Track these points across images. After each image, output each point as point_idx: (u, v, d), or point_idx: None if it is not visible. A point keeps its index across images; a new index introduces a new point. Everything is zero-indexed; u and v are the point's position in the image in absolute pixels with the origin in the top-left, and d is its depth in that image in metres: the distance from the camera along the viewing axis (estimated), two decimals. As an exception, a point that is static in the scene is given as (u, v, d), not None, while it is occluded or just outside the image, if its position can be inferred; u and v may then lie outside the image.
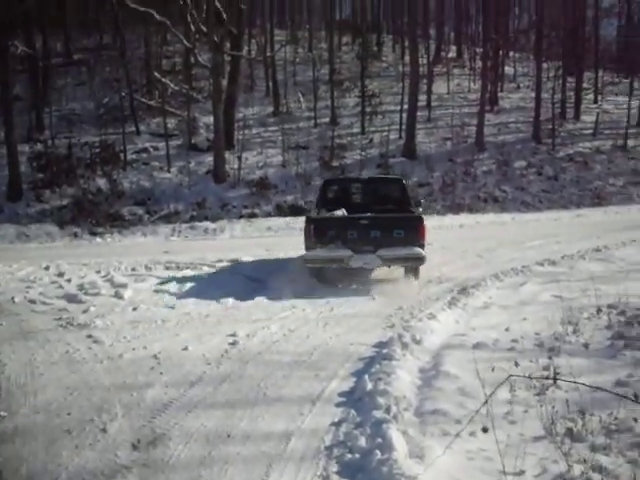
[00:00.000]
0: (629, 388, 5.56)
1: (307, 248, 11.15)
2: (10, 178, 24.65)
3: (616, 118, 36.25)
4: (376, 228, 11.20)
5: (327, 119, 31.78)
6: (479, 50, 39.81)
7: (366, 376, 6.31)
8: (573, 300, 9.40)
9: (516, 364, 5.52)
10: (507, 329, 7.95)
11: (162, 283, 11.59)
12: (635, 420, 4.89)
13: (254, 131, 30.33)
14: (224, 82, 27.95)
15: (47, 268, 13.46)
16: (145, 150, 28.19)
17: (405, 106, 30.25)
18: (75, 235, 21.18)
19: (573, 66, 37.28)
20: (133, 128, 29.20)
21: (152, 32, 33.40)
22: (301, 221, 13.91)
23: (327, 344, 7.68)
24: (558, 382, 5.68)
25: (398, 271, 11.77)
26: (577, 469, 4.28)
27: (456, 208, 25.30)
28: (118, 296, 10.52)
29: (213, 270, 12.93)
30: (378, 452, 4.61)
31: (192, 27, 26.11)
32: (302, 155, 27.68)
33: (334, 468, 4.64)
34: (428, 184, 27.15)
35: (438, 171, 27.99)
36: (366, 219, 11.41)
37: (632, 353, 6.70)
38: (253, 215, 23.05)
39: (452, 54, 43.76)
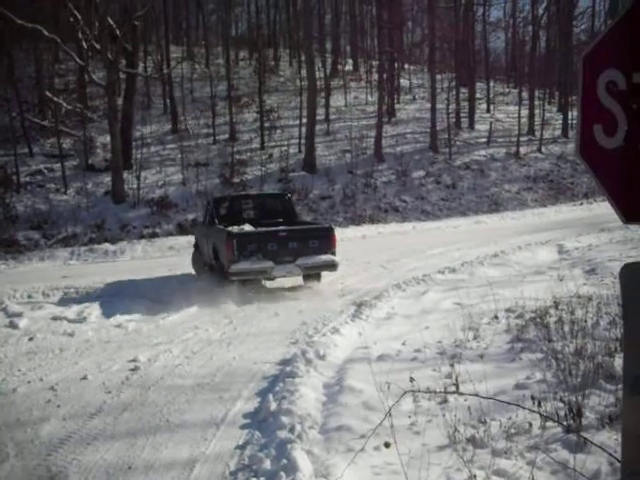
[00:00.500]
0: (528, 390, 5.67)
1: (230, 262, 11.34)
2: None
3: (508, 126, 37.63)
4: (294, 239, 11.89)
5: (226, 135, 31.61)
6: (375, 63, 40.52)
7: (270, 395, 6.24)
8: (473, 306, 9.60)
9: (411, 379, 5.53)
10: (410, 339, 8.03)
11: (60, 310, 11.18)
12: (530, 424, 5.01)
13: (152, 149, 29.87)
14: (120, 100, 27.45)
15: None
16: (39, 172, 27.28)
17: (304, 120, 30.44)
18: (-33, 262, 20.25)
19: (466, 77, 38.54)
20: (26, 149, 28.22)
21: (42, 50, 32.41)
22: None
23: (230, 364, 7.57)
24: (460, 389, 5.79)
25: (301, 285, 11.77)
26: (480, 475, 4.32)
27: (358, 219, 25.59)
28: (13, 326, 10.09)
29: (114, 294, 12.57)
30: (283, 474, 4.54)
31: (84, 44, 25.52)
32: (202, 172, 27.43)
33: (239, 494, 4.55)
34: (329, 197, 27.36)
35: (339, 183, 28.26)
36: (284, 231, 12.15)
37: (529, 355, 6.86)
38: (154, 235, 22.64)
39: (349, 67, 44.48)
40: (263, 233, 12.21)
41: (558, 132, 38.82)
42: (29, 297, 12.70)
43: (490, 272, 12.85)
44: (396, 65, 40.34)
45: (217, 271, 12.51)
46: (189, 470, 4.90)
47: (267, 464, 4.83)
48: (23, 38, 31.54)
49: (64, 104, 28.26)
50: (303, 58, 35.98)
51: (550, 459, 4.35)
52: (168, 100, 33.63)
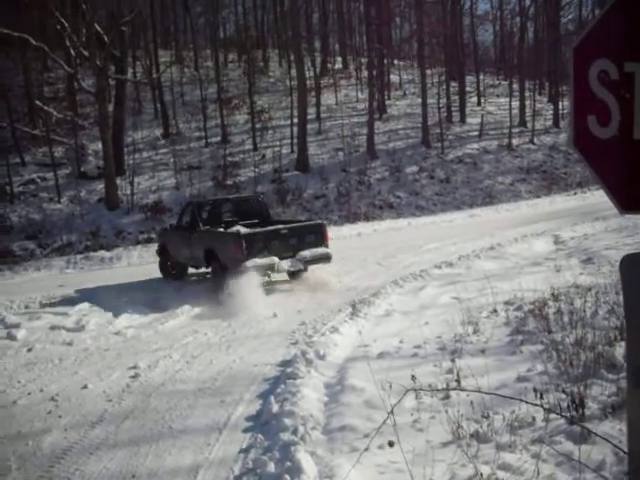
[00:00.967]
0: (529, 382, 5.67)
1: (240, 261, 11.87)
2: None
3: (499, 119, 37.65)
4: (293, 236, 12.74)
5: (218, 138, 31.55)
6: (364, 60, 40.50)
7: (272, 398, 6.22)
8: (471, 300, 9.60)
9: (413, 378, 5.51)
10: (409, 335, 8.02)
11: (58, 319, 11.13)
12: (533, 417, 5.00)
13: (145, 155, 29.80)
14: (110, 107, 27.40)
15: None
16: (32, 181, 27.21)
17: (295, 120, 30.39)
18: (-38, 274, 20.19)
19: (455, 71, 38.53)
20: (18, 159, 28.14)
21: (31, 58, 32.32)
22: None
23: (231, 368, 7.55)
24: (462, 384, 5.78)
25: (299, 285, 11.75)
26: (485, 470, 4.31)
27: (353, 217, 25.56)
28: (11, 337, 10.04)
29: (112, 301, 12.53)
30: (288, 477, 4.53)
31: (72, 51, 25.43)
32: (195, 176, 27.38)
33: (244, 498, 4.53)
34: (323, 196, 27.32)
35: (332, 182, 28.22)
36: (285, 229, 12.90)
37: (530, 347, 6.85)
38: (150, 240, 22.56)
39: (338, 65, 44.39)
40: (268, 232, 12.81)
41: (549, 122, 38.85)
42: (26, 307, 12.69)
43: (487, 265, 12.85)
44: (385, 61, 40.32)
45: (216, 272, 12.71)
46: (193, 476, 4.90)
47: (271, 467, 4.81)
48: (10, 47, 31.46)
49: (54, 112, 28.15)
50: (292, 58, 35.90)
51: (554, 451, 4.34)
52: (159, 105, 33.56)
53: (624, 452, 3.00)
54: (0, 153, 27.49)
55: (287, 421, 5.52)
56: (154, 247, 17.80)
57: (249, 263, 11.89)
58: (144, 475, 4.97)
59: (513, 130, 35.01)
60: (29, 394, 7.17)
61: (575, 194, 29.07)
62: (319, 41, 45.31)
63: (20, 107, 31.86)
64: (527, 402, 4.47)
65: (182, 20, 51.24)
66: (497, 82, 47.25)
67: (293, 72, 34.01)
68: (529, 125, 36.65)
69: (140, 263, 19.09)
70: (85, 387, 7.20)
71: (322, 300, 11.06)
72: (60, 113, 28.71)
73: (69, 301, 12.82)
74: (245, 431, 5.65)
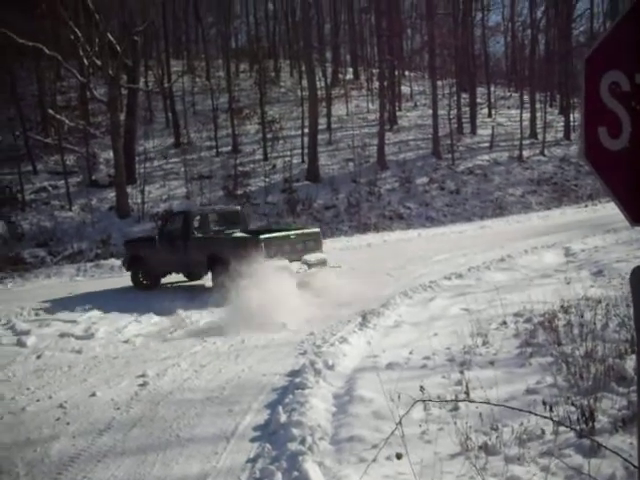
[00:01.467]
0: (539, 395, 5.64)
1: (257, 264, 12.23)
2: None
3: (510, 130, 37.62)
4: (299, 241, 13.77)
5: (229, 147, 31.67)
6: (375, 71, 40.57)
7: (280, 407, 6.20)
8: (481, 312, 9.56)
9: (421, 389, 5.51)
10: (419, 347, 7.99)
11: (68, 327, 11.16)
12: (542, 430, 4.97)
13: (156, 164, 29.93)
14: (122, 116, 27.53)
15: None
16: (44, 189, 27.36)
17: (306, 130, 30.48)
18: (-27, 281, 20.28)
19: (466, 82, 38.55)
20: (30, 167, 28.31)
21: (44, 68, 32.54)
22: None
23: (239, 377, 7.55)
24: (471, 396, 5.75)
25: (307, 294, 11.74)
26: (493, 483, 4.29)
27: (363, 228, 25.57)
28: (20, 344, 10.08)
29: (121, 309, 12.55)
30: (295, 487, 4.53)
31: (85, 61, 25.59)
32: (206, 185, 27.48)
33: (251, 508, 4.52)
34: (334, 206, 27.36)
35: (343, 192, 28.25)
36: (294, 235, 13.97)
37: (539, 360, 6.82)
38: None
39: (349, 76, 44.49)
40: (281, 237, 13.73)
41: (560, 134, 38.80)
42: (36, 315, 12.71)
43: (497, 277, 12.81)
44: (396, 72, 40.37)
45: (218, 276, 13.05)
46: (201, 485, 4.88)
47: (279, 477, 4.80)
48: (24, 57, 31.71)
49: (67, 121, 28.31)
50: (303, 68, 36.04)
51: (564, 464, 4.32)
52: (170, 114, 33.73)
53: (634, 466, 2.98)
54: (12, 161, 27.67)
55: (295, 431, 5.50)
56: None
57: (268, 265, 12.41)
58: (152, 483, 4.98)
59: (524, 142, 34.96)
60: (38, 401, 7.18)
61: (586, 206, 28.98)
62: (330, 52, 45.43)
63: (33, 116, 32.09)
64: (536, 414, 4.45)
65: (194, 30, 51.44)
66: (508, 94, 47.26)
67: (304, 82, 34.15)
68: (540, 137, 36.62)
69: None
70: (94, 395, 7.21)
71: (331, 310, 11.02)
72: (72, 122, 28.87)
73: (79, 309, 12.84)
74: (253, 440, 5.64)
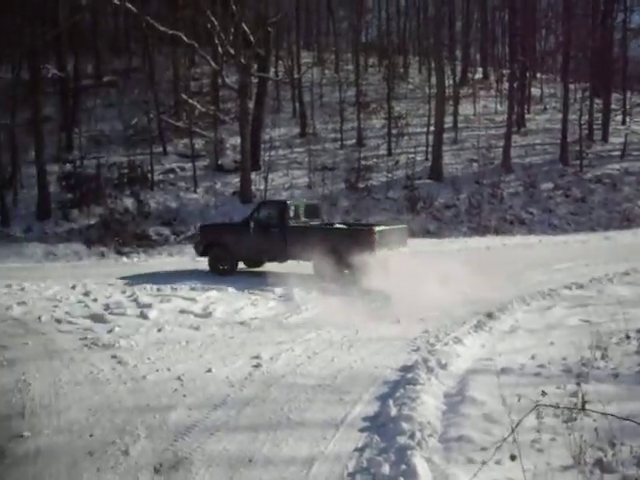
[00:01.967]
0: (660, 416, 5.42)
1: (371, 254, 13.73)
2: (39, 198, 24.96)
3: (645, 139, 35.98)
4: (394, 234, 15.14)
5: (353, 141, 31.84)
6: (506, 71, 39.73)
7: (390, 401, 6.23)
8: (601, 324, 9.26)
9: (543, 393, 5.39)
10: (534, 354, 7.82)
11: (187, 304, 11.58)
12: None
13: (280, 152, 30.46)
14: (251, 104, 28.14)
15: (74, 287, 13.60)
16: (172, 171, 28.41)
17: (431, 128, 30.28)
18: (102, 254, 21.31)
19: (601, 87, 37.08)
20: (160, 149, 29.47)
21: (180, 54, 33.73)
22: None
23: (351, 367, 7.61)
24: (587, 410, 5.58)
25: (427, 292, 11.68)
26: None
27: (482, 230, 25.18)
28: (143, 316, 10.53)
29: (240, 292, 12.92)
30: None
31: (220, 49, 26.31)
32: (328, 177, 27.73)
33: (357, 496, 4.57)
34: (454, 206, 27.06)
35: (464, 193, 27.90)
36: (394, 229, 15.39)
37: (662, 379, 6.56)
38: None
39: (478, 75, 43.75)
40: (387, 230, 14.87)
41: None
42: (158, 290, 13.24)
43: (620, 290, 12.37)
44: (527, 74, 39.34)
45: (325, 265, 13.87)
46: (308, 468, 4.97)
47: (386, 469, 4.83)
48: (163, 43, 32.99)
49: (198, 106, 29.25)
50: (433, 65, 35.73)
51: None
52: (297, 104, 34.20)
53: None
54: (145, 142, 28.85)
55: (405, 425, 5.52)
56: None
57: (379, 255, 13.68)
58: (261, 460, 5.10)
59: (660, 152, 33.41)
60: (157, 371, 7.49)
61: None
62: (460, 50, 44.76)
63: (167, 100, 33.29)
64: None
65: (325, 23, 51.94)
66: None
67: (433, 80, 33.87)
68: (679, 148, 34.83)
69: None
70: (209, 371, 7.45)
71: (446, 310, 10.93)
72: (203, 107, 29.81)
73: (199, 288, 13.31)
74: (361, 430, 5.69)
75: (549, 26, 52.31)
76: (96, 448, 5.34)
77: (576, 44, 36.14)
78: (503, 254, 19.31)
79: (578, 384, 6.33)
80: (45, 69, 29.62)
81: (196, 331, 9.64)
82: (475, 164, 30.69)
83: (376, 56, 44.39)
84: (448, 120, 32.46)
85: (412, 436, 5.28)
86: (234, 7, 25.84)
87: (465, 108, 37.13)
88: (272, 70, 35.17)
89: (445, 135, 30.40)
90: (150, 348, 8.57)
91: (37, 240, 22.99)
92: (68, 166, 27.84)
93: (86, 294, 12.82)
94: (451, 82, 35.20)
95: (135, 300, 11.85)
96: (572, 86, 36.15)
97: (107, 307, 11.34)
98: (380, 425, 5.76)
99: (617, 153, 34.04)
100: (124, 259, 20.49)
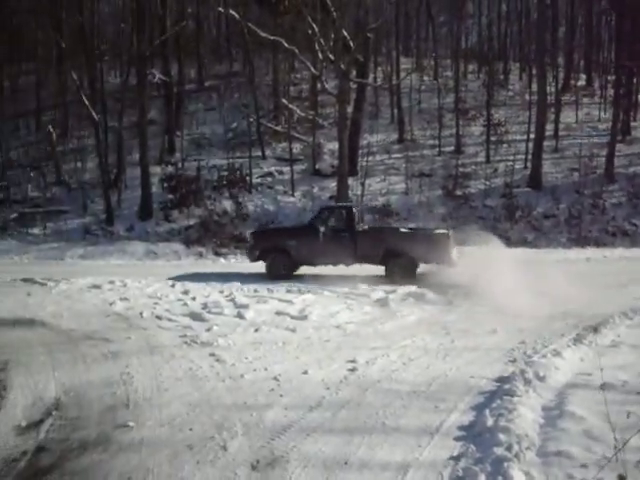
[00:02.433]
0: None
1: (448, 256, 15.26)
2: (142, 198, 25.82)
3: None
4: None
5: (451, 147, 31.58)
6: (611, 78, 38.50)
7: (487, 411, 6.15)
8: None
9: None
10: (637, 371, 7.56)
11: (283, 306, 11.75)
12: None
13: (378, 158, 30.52)
14: (349, 109, 28.30)
15: (173, 285, 14.03)
16: (270, 174, 28.89)
17: (531, 135, 29.68)
18: (200, 255, 21.89)
19: None
20: (259, 152, 30.00)
21: (280, 60, 34.28)
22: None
23: (447, 375, 7.55)
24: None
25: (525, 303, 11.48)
26: None
27: (582, 241, 24.50)
28: (240, 316, 10.75)
29: (335, 296, 13.04)
30: (499, 491, 4.49)
31: (320, 55, 26.59)
32: (425, 183, 27.61)
33: (453, 504, 4.55)
34: (553, 216, 26.43)
35: (564, 202, 27.21)
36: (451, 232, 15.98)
37: None
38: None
39: (582, 82, 42.54)
40: (453, 234, 15.80)
41: None
42: (255, 291, 13.51)
43: None
44: (634, 80, 38.01)
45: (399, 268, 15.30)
46: (402, 474, 4.96)
47: (482, 479, 4.77)
48: (263, 49, 33.62)
49: (297, 111, 29.67)
50: (534, 72, 35.04)
51: None
52: (396, 110, 34.21)
53: None
54: (244, 145, 29.46)
55: (501, 436, 5.44)
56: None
57: (454, 256, 15.11)
58: (356, 463, 5.13)
59: None
60: (254, 370, 7.63)
61: None
62: (563, 55, 43.65)
63: (266, 104, 33.89)
64: None
65: (425, 28, 51.71)
66: None
67: (534, 86, 33.27)
68: None
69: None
70: (305, 372, 7.53)
71: (544, 321, 10.71)
72: (302, 112, 30.20)
73: (294, 290, 13.53)
74: (457, 439, 5.64)
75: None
76: (195, 442, 5.49)
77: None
78: (604, 266, 18.72)
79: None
80: (151, 74, 30.64)
81: (292, 333, 9.76)
82: (576, 173, 29.84)
83: (476, 62, 43.86)
84: (549, 128, 31.71)
85: (509, 448, 5.20)
86: (334, 13, 26.07)
87: (567, 115, 36.16)
88: (371, 76, 35.30)
89: (545, 143, 29.73)
90: (247, 348, 8.73)
91: (139, 239, 23.84)
92: (170, 168, 28.73)
93: (185, 292, 13.23)
94: (553, 89, 34.41)
95: (232, 300, 12.12)
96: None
97: (205, 306, 11.64)
98: (476, 435, 5.69)
99: None
100: (221, 260, 20.97)
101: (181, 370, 7.65)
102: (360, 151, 29.19)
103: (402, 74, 35.98)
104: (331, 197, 26.43)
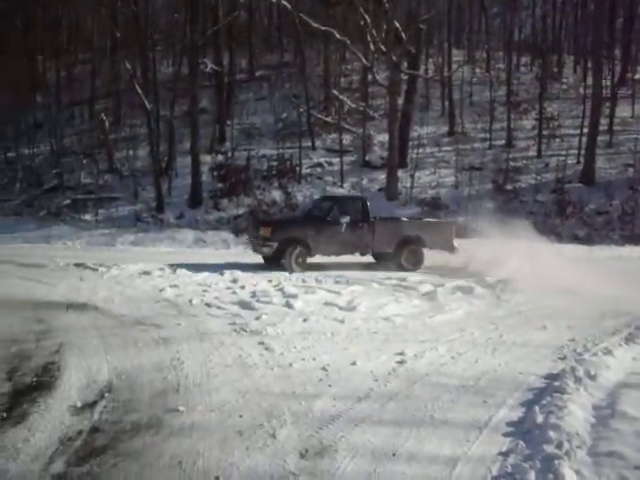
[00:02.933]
0: None
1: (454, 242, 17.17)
2: (192, 186, 26.10)
3: None
4: None
5: (502, 141, 31.23)
6: (670, 71, 37.61)
7: (536, 407, 6.09)
8: None
9: None
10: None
11: (332, 297, 11.78)
12: None
13: (428, 150, 30.36)
14: (400, 101, 28.17)
15: (222, 274, 14.15)
16: (319, 165, 28.94)
17: (585, 130, 29.15)
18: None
19: None
20: (309, 143, 30.05)
21: (331, 50, 34.24)
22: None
23: (495, 371, 7.50)
24: None
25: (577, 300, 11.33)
26: None
27: (636, 239, 24.03)
28: (289, 306, 10.78)
29: (383, 288, 13.05)
30: (550, 489, 4.46)
31: (371, 46, 26.52)
32: (475, 177, 27.37)
33: (502, 500, 4.53)
34: (606, 212, 25.99)
35: (617, 199, 26.72)
36: None
37: None
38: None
39: (638, 75, 41.57)
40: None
41: None
42: (303, 281, 13.59)
43: None
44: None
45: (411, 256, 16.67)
46: (451, 467, 4.94)
47: (531, 476, 4.72)
48: (314, 39, 33.63)
49: (348, 102, 29.67)
50: (589, 65, 34.41)
51: None
52: (447, 102, 33.94)
53: None
54: (294, 136, 29.54)
55: (551, 434, 5.38)
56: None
57: (455, 244, 16.94)
58: (404, 455, 5.13)
59: None
60: (303, 360, 7.67)
61: None
62: (620, 48, 42.70)
63: (317, 95, 33.90)
64: None
65: (477, 20, 51.12)
66: None
67: (588, 80, 32.69)
68: None
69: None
70: (354, 364, 7.54)
71: (595, 319, 10.58)
72: (353, 103, 30.17)
73: (342, 281, 13.59)
74: (505, 435, 5.59)
75: None
76: (245, 429, 5.54)
77: None
78: (659, 265, 18.35)
79: None
80: (203, 64, 30.91)
81: (341, 324, 9.77)
82: (631, 169, 29.29)
83: (529, 55, 43.23)
84: (603, 122, 31.13)
85: (559, 446, 5.14)
86: (386, 4, 25.95)
87: (622, 110, 35.42)
88: (422, 67, 35.05)
89: (599, 138, 29.23)
90: (296, 337, 8.77)
91: (188, 227, 24.11)
92: (220, 157, 28.98)
93: (234, 281, 13.35)
94: (608, 82, 33.74)
95: (281, 290, 12.17)
96: None
97: (254, 295, 11.71)
98: (525, 431, 5.64)
99: None
100: (270, 249, 21.08)
101: (230, 357, 7.72)
102: (410, 143, 29.07)
103: (454, 66, 35.74)
104: (380, 189, 26.40)
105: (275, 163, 28.07)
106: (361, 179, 27.17)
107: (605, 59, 33.83)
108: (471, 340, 8.98)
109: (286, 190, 26.31)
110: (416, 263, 16.61)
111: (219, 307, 10.81)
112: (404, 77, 29.87)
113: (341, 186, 26.96)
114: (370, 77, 30.78)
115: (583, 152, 29.07)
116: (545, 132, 31.33)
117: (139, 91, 27.16)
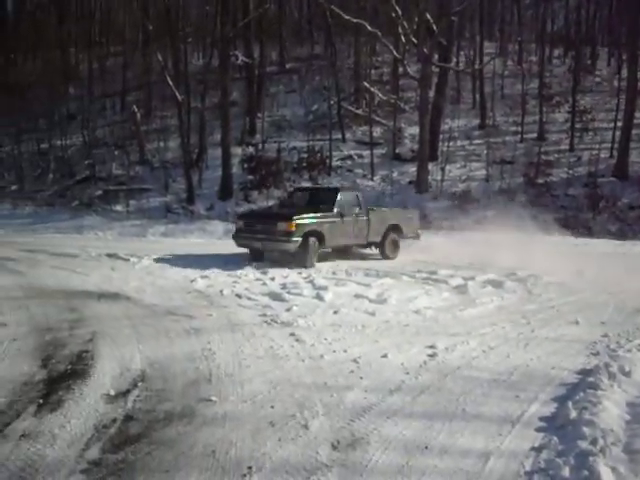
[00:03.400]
0: None
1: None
2: (223, 178, 26.22)
3: None
4: None
5: (534, 134, 30.94)
6: None
7: (569, 403, 6.03)
8: None
9: None
10: None
11: (362, 289, 11.77)
12: None
13: (459, 143, 30.18)
14: (431, 93, 28.03)
15: (252, 265, 14.22)
16: (350, 157, 28.91)
17: (619, 124, 28.76)
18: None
19: None
20: (339, 135, 30.03)
21: (362, 43, 34.13)
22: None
23: (527, 365, 7.44)
24: None
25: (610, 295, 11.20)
26: None
27: (671, 234, 23.71)
28: (319, 298, 10.80)
29: (413, 281, 13.02)
30: (585, 485, 4.42)
31: (402, 38, 26.39)
32: (506, 170, 27.15)
33: (535, 495, 4.50)
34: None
35: (652, 194, 26.32)
36: None
37: None
38: (452, 227, 22.85)
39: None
40: None
41: None
42: (333, 274, 13.62)
43: None
44: None
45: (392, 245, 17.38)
46: (484, 461, 4.92)
47: (565, 472, 4.68)
48: (345, 31, 33.57)
49: (379, 94, 29.57)
50: (624, 57, 33.91)
51: None
52: (478, 95, 33.71)
53: None
54: (324, 128, 29.52)
55: (585, 430, 5.33)
56: (458, 236, 18.37)
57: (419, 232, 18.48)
58: (436, 449, 5.12)
59: None
60: (334, 352, 7.68)
61: None
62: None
63: (347, 87, 33.84)
64: None
65: (509, 12, 50.63)
66: None
67: (623, 72, 32.23)
68: None
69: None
70: (385, 356, 7.53)
71: (629, 315, 10.47)
72: (384, 95, 30.07)
73: (372, 274, 13.59)
74: (538, 430, 5.55)
75: None
76: (277, 420, 5.57)
77: None
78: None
79: None
80: (234, 56, 30.99)
81: (371, 316, 9.76)
82: (666, 164, 28.88)
83: (562, 47, 42.74)
84: (638, 116, 30.65)
85: (594, 442, 5.09)
86: (418, -4, 25.84)
87: (657, 103, 34.93)
88: (453, 60, 34.82)
89: (634, 132, 28.78)
90: (326, 329, 8.79)
91: (218, 218, 24.23)
92: (250, 149, 29.07)
93: (264, 272, 13.42)
94: (644, 75, 33.25)
95: (311, 282, 12.20)
96: None
97: (284, 286, 11.76)
98: (558, 427, 5.60)
99: None
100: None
101: (262, 348, 7.75)
102: (441, 136, 28.92)
103: (485, 58, 35.43)
104: (410, 182, 26.29)
105: (305, 155, 28.10)
106: (391, 172, 27.08)
107: (640, 51, 33.36)
108: (502, 334, 8.92)
109: (316, 182, 26.33)
110: (395, 251, 17.48)
111: (249, 298, 10.87)
112: (435, 70, 29.71)
113: (371, 179, 26.92)
114: (401, 69, 30.65)
115: (616, 146, 28.67)
116: (578, 125, 30.98)
117: (170, 83, 27.30)
